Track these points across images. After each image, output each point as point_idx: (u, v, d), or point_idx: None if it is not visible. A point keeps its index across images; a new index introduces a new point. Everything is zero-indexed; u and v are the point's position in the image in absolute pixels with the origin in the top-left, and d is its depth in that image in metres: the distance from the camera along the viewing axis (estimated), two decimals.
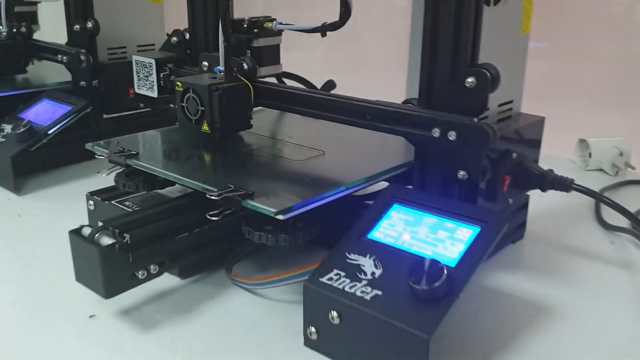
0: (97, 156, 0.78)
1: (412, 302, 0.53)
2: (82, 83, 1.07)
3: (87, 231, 0.61)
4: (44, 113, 1.02)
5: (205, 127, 0.76)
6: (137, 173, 0.76)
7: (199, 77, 0.79)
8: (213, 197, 0.61)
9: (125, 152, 0.76)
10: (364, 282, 0.56)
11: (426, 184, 0.68)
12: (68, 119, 1.00)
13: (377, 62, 1.68)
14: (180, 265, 0.68)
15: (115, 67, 1.11)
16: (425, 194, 0.65)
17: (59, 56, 1.06)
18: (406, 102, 0.71)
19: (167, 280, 0.70)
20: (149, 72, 0.87)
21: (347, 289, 0.56)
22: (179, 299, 0.68)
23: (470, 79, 0.61)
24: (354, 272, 0.57)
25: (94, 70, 1.07)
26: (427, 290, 0.52)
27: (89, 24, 1.06)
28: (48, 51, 1.09)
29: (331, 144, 0.82)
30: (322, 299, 0.56)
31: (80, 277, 0.62)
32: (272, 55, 0.86)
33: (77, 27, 1.07)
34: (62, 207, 0.93)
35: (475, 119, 0.61)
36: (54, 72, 1.17)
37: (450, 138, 0.61)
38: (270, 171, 0.73)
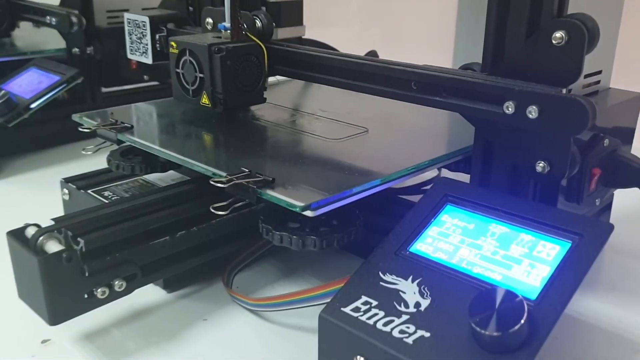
0: (81, 129, 0.63)
1: (473, 352, 0.36)
2: (75, 50, 0.92)
3: (31, 232, 0.45)
4: (28, 84, 0.87)
5: (204, 100, 0.60)
6: (136, 152, 0.61)
7: (199, 36, 0.63)
8: (220, 185, 0.46)
9: (117, 124, 0.61)
10: (405, 316, 0.39)
11: (489, 177, 0.51)
12: (54, 91, 0.85)
13: (419, 38, 1.50)
14: (159, 278, 0.52)
15: (114, 32, 0.95)
16: (489, 192, 0.48)
17: (48, 18, 0.91)
18: (465, 67, 0.54)
19: (147, 294, 0.55)
20: (142, 33, 0.71)
21: (380, 325, 0.39)
22: (160, 321, 0.53)
23: (558, 34, 0.43)
24: (390, 302, 0.40)
25: (89, 35, 0.92)
26: (498, 338, 0.35)
27: None
28: (35, 12, 0.94)
29: (376, 120, 0.66)
30: (344, 338, 0.40)
31: (23, 293, 0.46)
32: (294, 13, 0.70)
33: None
34: (40, 196, 0.78)
35: (564, 91, 0.44)
36: (50, 38, 1.02)
37: (530, 116, 0.44)
38: (297, 152, 0.57)
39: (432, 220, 0.46)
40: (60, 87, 0.86)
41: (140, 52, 0.72)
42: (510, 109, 0.44)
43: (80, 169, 0.69)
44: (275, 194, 0.45)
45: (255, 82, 0.61)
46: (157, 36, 0.70)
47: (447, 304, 0.39)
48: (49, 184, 0.80)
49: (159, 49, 0.71)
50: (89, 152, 0.61)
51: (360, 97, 0.59)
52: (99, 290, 0.46)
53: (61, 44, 0.96)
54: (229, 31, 0.60)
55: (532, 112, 0.43)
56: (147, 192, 0.55)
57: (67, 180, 0.66)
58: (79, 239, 0.44)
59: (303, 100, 0.77)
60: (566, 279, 0.39)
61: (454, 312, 0.39)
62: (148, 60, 0.72)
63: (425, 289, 0.41)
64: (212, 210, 0.46)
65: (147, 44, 0.71)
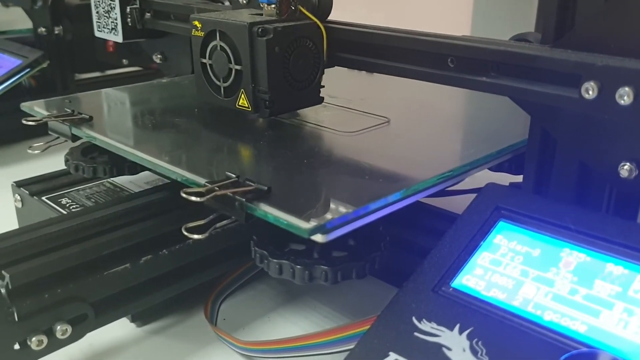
0: (25, 121, 0.50)
1: None
2: (41, 30, 0.80)
3: None
4: None
5: (242, 102, 0.45)
6: (102, 150, 0.49)
7: (231, 13, 0.48)
8: (195, 199, 0.34)
9: (74, 115, 0.49)
10: None
11: (547, 182, 0.39)
12: (15, 77, 0.73)
13: (429, 21, 1.38)
14: (119, 317, 0.40)
15: (88, 10, 0.83)
16: (556, 204, 0.36)
17: None
18: (518, 39, 0.42)
19: (111, 329, 0.43)
20: (110, 5, 0.59)
21: None
22: None
23: None
24: None
25: (57, 13, 0.80)
26: None
27: None
28: None
29: (398, 108, 0.54)
30: None
31: None
32: None
33: None
34: None
35: None
36: (20, 17, 0.90)
37: (621, 102, 0.32)
38: (302, 151, 0.44)
39: (481, 242, 0.34)
40: (23, 73, 0.74)
41: (108, 28, 0.60)
42: (591, 92, 0.32)
43: (49, 168, 0.58)
44: (271, 211, 0.33)
45: (310, 77, 0.46)
46: (127, 8, 0.58)
47: None
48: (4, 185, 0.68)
49: (130, 24, 0.59)
50: (37, 152, 0.49)
51: (376, 79, 0.47)
52: (34, 339, 0.34)
53: (30, 23, 0.85)
54: (274, 5, 0.45)
55: (625, 96, 0.31)
56: (102, 204, 0.43)
57: (19, 184, 0.54)
58: (3, 272, 0.33)
59: None
60: None
61: None
62: (118, 38, 0.60)
63: (480, 344, 0.29)
64: (185, 233, 0.34)
65: (116, 19, 0.59)
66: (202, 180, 0.36)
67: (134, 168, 0.50)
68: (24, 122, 0.49)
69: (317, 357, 0.37)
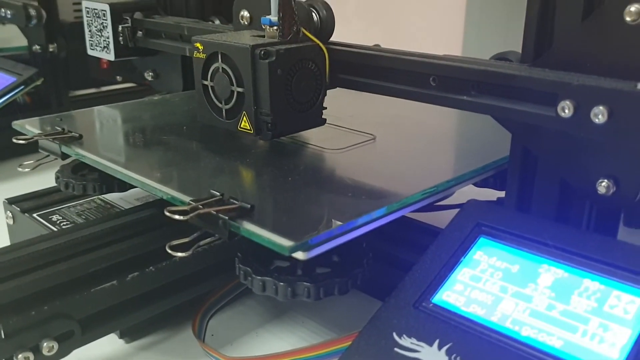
0: (16, 140, 0.51)
1: None
2: (36, 47, 0.81)
3: None
4: None
5: (244, 124, 0.45)
6: (92, 168, 0.49)
7: (233, 35, 0.47)
8: (178, 217, 0.34)
9: (64, 133, 0.49)
10: None
11: (529, 199, 0.40)
12: (10, 95, 0.74)
13: (423, 36, 1.39)
14: (106, 334, 0.40)
15: (82, 28, 0.84)
16: (536, 221, 0.36)
17: (2, 10, 0.80)
18: (498, 58, 0.42)
19: (98, 344, 0.43)
20: (102, 23, 0.60)
21: None
22: None
23: (634, 7, 0.32)
24: None
25: (51, 30, 0.81)
26: None
27: None
28: None
29: (385, 125, 0.54)
30: None
31: None
32: None
33: None
34: None
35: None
36: (16, 35, 0.91)
37: (596, 120, 0.32)
38: (287, 168, 0.45)
39: (462, 258, 0.35)
40: (17, 90, 0.75)
41: (101, 46, 0.61)
42: (567, 111, 0.33)
43: (40, 185, 0.58)
44: (254, 229, 0.33)
45: (313, 98, 0.46)
46: (119, 27, 0.59)
47: None
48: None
49: (122, 42, 0.60)
50: (27, 170, 0.50)
51: (366, 97, 0.48)
52: (20, 356, 0.34)
53: (25, 41, 0.86)
54: (276, 27, 0.44)
55: (600, 115, 0.32)
56: (89, 222, 0.44)
57: (10, 202, 0.55)
58: None
59: None
60: None
61: None
62: (110, 56, 0.61)
63: (458, 359, 0.30)
64: (169, 251, 0.35)
65: (108, 37, 0.60)
66: (187, 199, 0.37)
67: (124, 185, 0.50)
68: (14, 140, 0.50)
69: None
